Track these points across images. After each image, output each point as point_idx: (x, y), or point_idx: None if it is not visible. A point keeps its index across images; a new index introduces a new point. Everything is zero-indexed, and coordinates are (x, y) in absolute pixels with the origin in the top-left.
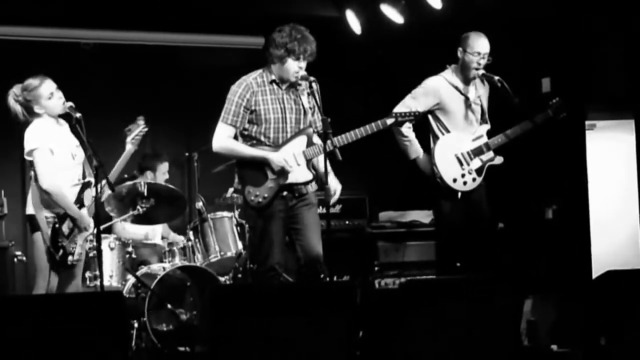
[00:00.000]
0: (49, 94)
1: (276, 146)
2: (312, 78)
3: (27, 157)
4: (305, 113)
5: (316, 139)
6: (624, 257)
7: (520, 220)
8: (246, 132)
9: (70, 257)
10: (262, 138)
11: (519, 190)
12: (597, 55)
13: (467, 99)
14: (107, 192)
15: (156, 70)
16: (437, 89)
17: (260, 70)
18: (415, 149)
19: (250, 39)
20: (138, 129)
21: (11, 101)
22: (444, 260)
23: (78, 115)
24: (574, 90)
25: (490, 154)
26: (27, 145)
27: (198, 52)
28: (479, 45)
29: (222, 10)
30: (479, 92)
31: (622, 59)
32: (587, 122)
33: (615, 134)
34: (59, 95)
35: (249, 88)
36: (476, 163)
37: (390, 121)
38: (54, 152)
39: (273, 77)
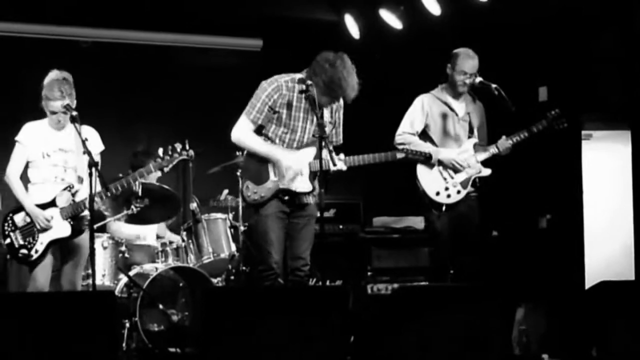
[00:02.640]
0: (52, 112)
1: (288, 148)
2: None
3: None
4: (324, 127)
5: (325, 154)
6: (617, 267)
7: (514, 229)
8: (263, 130)
9: (23, 250)
10: (277, 140)
11: (513, 198)
12: (595, 65)
13: (455, 114)
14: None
15: (154, 70)
16: (428, 106)
17: (295, 75)
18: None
19: (248, 40)
20: (179, 158)
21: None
22: (436, 268)
23: (74, 113)
24: (570, 100)
25: (477, 166)
26: None
27: (196, 52)
28: (466, 65)
29: (220, 12)
30: (469, 109)
31: (620, 70)
32: (583, 132)
33: (611, 144)
34: (60, 118)
35: (278, 89)
36: (461, 176)
37: (400, 155)
38: (27, 148)
39: (304, 88)
